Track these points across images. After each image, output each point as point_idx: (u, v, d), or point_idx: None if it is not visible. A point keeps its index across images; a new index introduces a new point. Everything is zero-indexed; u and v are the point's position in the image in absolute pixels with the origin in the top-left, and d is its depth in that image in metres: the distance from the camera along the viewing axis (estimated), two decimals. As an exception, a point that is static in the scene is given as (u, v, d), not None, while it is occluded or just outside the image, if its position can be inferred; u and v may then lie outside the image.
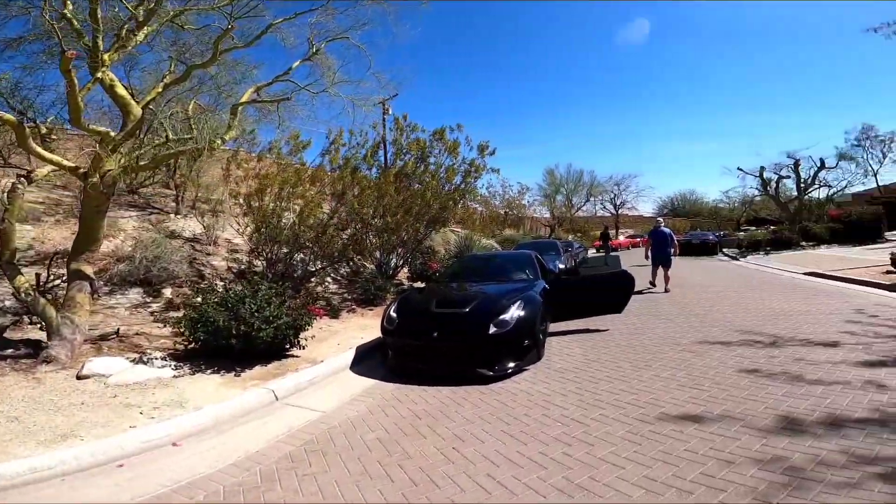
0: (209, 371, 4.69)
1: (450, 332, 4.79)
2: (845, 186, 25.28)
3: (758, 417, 3.18)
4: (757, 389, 3.74)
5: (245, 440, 3.37)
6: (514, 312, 4.88)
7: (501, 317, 4.80)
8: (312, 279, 9.49)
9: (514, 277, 6.45)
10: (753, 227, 36.25)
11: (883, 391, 3.51)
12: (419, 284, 9.90)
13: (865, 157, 26.52)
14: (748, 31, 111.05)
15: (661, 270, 10.26)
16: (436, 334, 4.74)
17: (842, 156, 23.62)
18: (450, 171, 10.52)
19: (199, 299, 5.26)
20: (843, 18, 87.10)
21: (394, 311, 5.36)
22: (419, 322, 5.05)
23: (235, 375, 4.62)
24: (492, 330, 4.68)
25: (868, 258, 13.02)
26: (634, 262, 12.83)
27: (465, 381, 4.48)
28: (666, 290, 9.78)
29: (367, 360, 5.42)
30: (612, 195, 46.91)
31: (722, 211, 49.70)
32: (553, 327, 6.51)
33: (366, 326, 6.96)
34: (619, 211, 47.72)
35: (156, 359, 4.83)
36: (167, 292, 7.24)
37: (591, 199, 43.50)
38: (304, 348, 5.34)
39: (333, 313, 7.79)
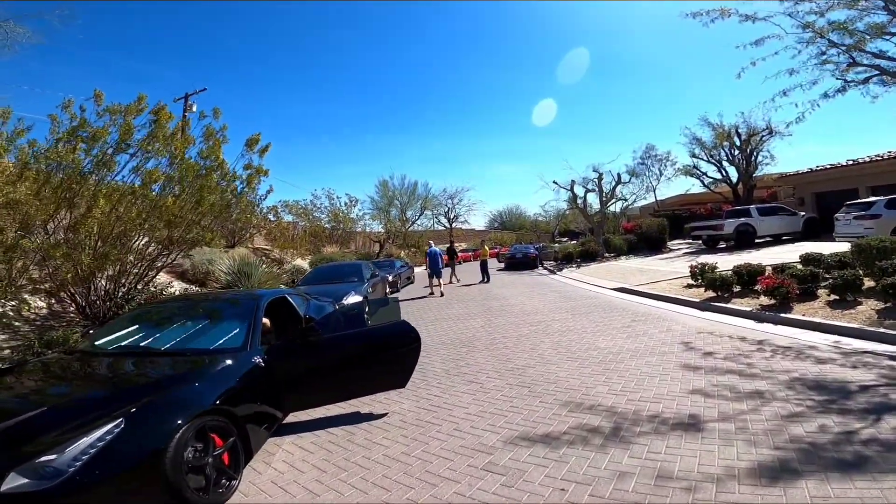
0: None
1: None
2: (634, 200, 28.77)
3: None
4: None
5: None
6: (87, 444, 2.23)
7: (45, 457, 2.14)
8: None
9: (191, 347, 3.66)
10: (566, 239, 39.97)
11: None
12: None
13: (647, 174, 30.76)
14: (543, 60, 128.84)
15: (435, 279, 13.81)
16: None
17: (631, 172, 26.68)
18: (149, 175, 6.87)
19: None
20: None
21: None
22: None
23: None
24: (10, 484, 2.02)
25: (662, 269, 13.65)
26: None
27: None
28: (441, 294, 13.26)
29: None
30: (447, 209, 47.36)
31: (540, 224, 54.78)
32: (302, 415, 4.03)
33: None
34: (453, 225, 48.42)
35: None
36: None
37: (426, 212, 42.93)
38: None
39: None
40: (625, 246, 21.46)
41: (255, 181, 8.24)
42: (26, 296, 8.58)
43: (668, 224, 22.34)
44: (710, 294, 8.27)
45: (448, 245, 19.43)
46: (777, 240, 17.95)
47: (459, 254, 32.84)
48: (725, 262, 10.77)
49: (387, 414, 4.07)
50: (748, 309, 7.06)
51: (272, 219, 21.48)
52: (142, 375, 3.13)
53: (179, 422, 2.52)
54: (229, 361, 3.30)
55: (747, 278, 8.16)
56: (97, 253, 5.82)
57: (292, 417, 4.08)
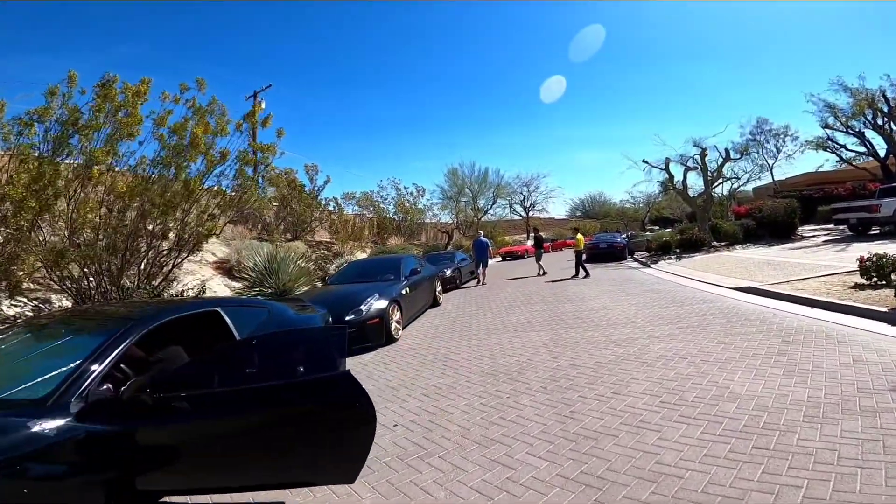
0: None
1: None
2: (746, 181, 24.20)
3: None
4: None
5: None
6: None
7: None
8: None
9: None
10: (657, 227, 35.35)
11: None
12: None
13: (761, 151, 25.89)
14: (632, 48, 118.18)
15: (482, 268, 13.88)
16: None
17: (741, 150, 22.28)
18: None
19: None
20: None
21: None
22: None
23: None
24: None
25: (802, 262, 10.31)
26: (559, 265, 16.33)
27: None
28: (483, 283, 13.68)
29: None
30: (522, 196, 44.54)
31: (628, 211, 49.73)
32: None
33: None
34: (530, 213, 45.50)
35: None
36: None
37: (499, 200, 40.51)
38: None
39: None
40: (739, 233, 17.58)
41: (266, 161, 6.89)
42: (51, 295, 8.13)
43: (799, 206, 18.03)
44: (909, 301, 5.37)
45: (534, 234, 17.07)
46: (948, 224, 13.49)
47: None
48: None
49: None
50: None
51: (332, 209, 20.78)
52: None
53: None
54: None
55: (973, 276, 5.17)
56: (52, 247, 4.77)
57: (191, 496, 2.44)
